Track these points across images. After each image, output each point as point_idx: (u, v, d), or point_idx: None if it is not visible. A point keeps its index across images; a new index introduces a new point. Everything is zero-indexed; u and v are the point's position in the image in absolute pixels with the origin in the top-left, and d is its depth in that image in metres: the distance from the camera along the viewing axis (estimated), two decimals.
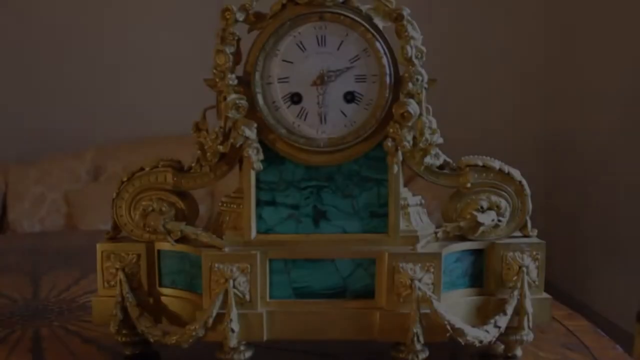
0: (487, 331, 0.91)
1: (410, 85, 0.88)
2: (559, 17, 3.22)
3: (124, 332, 0.95)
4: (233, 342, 0.88)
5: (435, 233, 0.93)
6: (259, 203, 0.93)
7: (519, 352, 0.97)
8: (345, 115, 0.90)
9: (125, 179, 0.96)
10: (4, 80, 3.33)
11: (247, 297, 0.90)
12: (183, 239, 0.94)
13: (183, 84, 3.17)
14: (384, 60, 0.89)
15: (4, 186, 3.12)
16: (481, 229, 0.94)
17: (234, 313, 0.88)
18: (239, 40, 0.91)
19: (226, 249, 0.91)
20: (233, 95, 0.89)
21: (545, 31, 3.32)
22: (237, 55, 0.91)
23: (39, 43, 3.32)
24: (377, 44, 0.88)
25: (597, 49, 2.86)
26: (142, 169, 0.96)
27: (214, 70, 0.90)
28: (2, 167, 3.17)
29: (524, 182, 0.96)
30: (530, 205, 0.97)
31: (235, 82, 0.89)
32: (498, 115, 3.38)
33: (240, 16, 0.90)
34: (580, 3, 3.00)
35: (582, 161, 3.03)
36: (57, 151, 3.21)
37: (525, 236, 0.98)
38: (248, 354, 0.91)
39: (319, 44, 0.89)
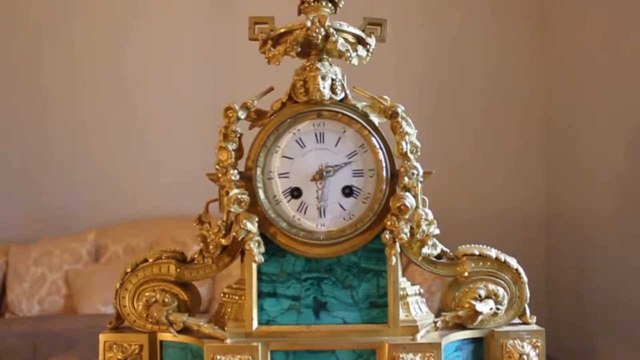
0: None
1: (406, 179, 0.91)
2: (560, 97, 3.29)
3: None
4: None
5: (435, 322, 0.94)
6: (260, 294, 0.94)
7: None
8: (344, 209, 0.93)
9: (129, 270, 0.98)
10: (5, 162, 3.39)
11: None
12: (185, 330, 0.95)
13: (183, 167, 3.23)
14: (381, 155, 0.92)
15: (5, 266, 3.12)
16: (480, 317, 0.95)
17: None
18: (240, 136, 0.94)
19: (228, 341, 0.91)
20: (235, 190, 0.92)
21: (545, 110, 3.38)
22: (238, 150, 0.94)
23: (41, 127, 3.40)
24: (374, 140, 0.92)
25: (597, 125, 2.91)
26: (145, 260, 0.98)
27: (217, 166, 0.93)
28: (2, 247, 3.18)
29: (521, 270, 0.98)
30: (527, 293, 0.98)
31: (237, 177, 0.93)
32: (498, 190, 3.41)
33: (242, 114, 0.94)
34: (580, 78, 3.06)
35: (584, 239, 3.04)
36: (58, 231, 3.23)
37: (524, 323, 0.99)
38: None
39: (317, 141, 0.93)
